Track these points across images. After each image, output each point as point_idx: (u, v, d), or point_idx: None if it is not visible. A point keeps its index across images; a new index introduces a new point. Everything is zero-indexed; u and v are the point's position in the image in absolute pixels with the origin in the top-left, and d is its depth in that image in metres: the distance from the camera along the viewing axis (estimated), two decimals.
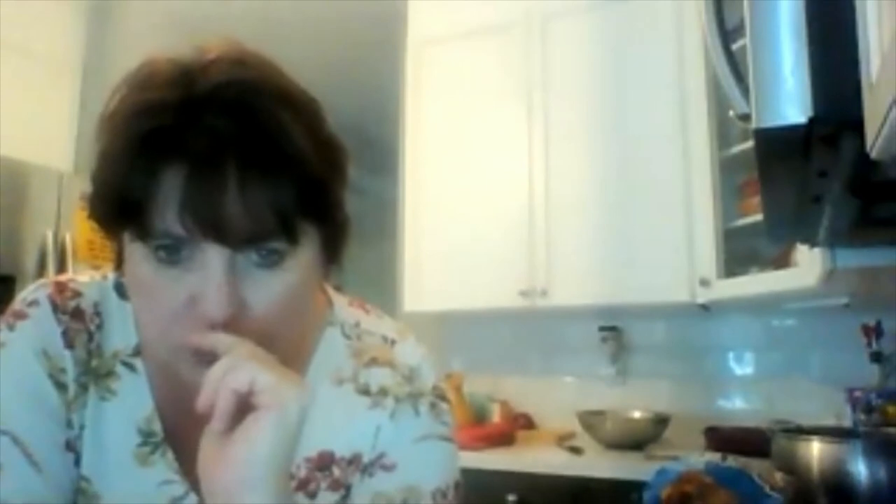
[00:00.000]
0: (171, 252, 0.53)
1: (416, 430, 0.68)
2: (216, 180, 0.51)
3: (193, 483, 0.64)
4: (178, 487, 0.64)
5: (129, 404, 0.64)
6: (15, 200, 2.39)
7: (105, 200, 0.55)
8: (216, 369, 0.50)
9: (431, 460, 0.68)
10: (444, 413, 0.71)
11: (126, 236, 0.55)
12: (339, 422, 0.68)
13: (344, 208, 0.60)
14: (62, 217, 2.52)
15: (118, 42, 3.08)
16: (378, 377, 0.70)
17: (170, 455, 0.64)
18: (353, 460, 0.68)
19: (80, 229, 2.54)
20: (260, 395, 0.49)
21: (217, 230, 0.51)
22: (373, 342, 0.72)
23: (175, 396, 0.64)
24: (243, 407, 0.50)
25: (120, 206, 0.53)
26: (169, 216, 0.51)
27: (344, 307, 0.73)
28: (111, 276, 0.68)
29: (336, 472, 0.67)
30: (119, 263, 0.60)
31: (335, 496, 0.67)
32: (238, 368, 0.50)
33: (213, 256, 0.52)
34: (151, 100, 0.53)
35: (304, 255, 0.57)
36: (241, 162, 0.51)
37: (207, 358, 0.53)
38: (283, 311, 0.56)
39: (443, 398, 0.71)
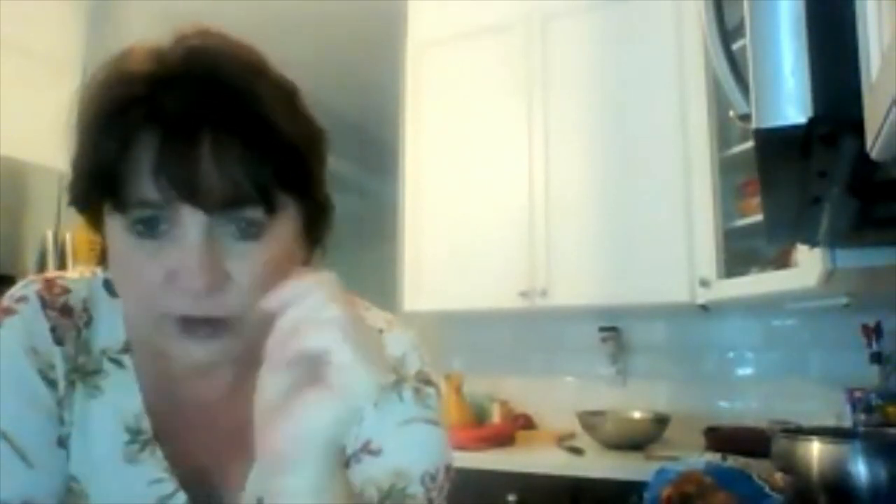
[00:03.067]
0: (150, 225, 0.53)
1: (400, 414, 0.68)
2: (190, 143, 0.51)
3: (182, 481, 0.63)
4: (167, 486, 0.63)
5: (117, 401, 0.63)
6: (15, 200, 2.39)
7: (81, 175, 0.56)
8: (298, 311, 0.45)
9: (417, 443, 0.68)
10: (429, 397, 0.70)
11: (105, 212, 0.55)
12: None
13: (324, 187, 0.61)
14: (62, 217, 2.52)
15: (118, 42, 3.07)
16: None
17: (158, 453, 0.63)
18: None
19: (80, 229, 2.54)
20: (331, 369, 0.45)
21: (192, 192, 0.51)
22: None
23: (164, 394, 0.64)
24: (311, 363, 0.45)
25: (95, 177, 0.53)
26: (144, 182, 0.51)
27: None
28: (100, 272, 0.68)
29: None
30: (104, 254, 0.60)
31: None
32: (314, 328, 0.45)
33: (191, 226, 0.52)
34: (123, 72, 0.54)
35: (285, 229, 0.57)
36: (215, 126, 0.52)
37: (193, 329, 0.53)
38: (265, 285, 0.54)
39: (428, 383, 0.71)
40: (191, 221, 0.52)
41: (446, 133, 2.69)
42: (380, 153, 2.94)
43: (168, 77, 0.53)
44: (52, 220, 2.51)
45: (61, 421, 0.61)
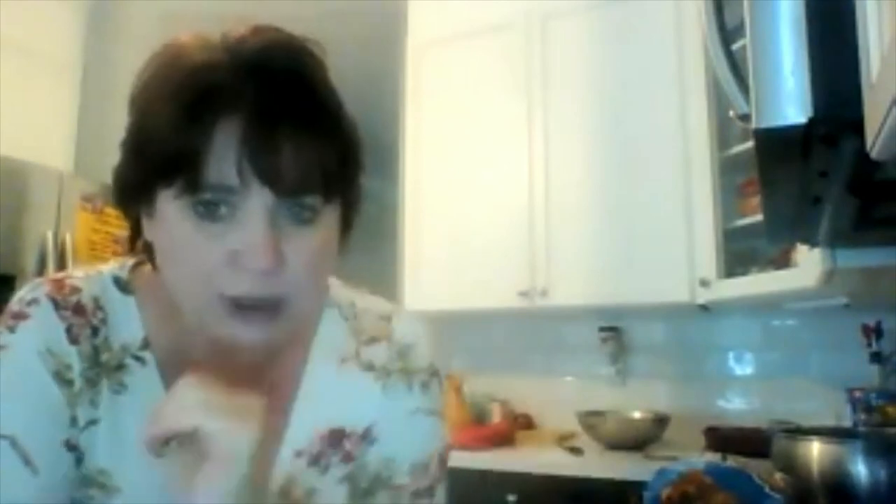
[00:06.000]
0: (212, 209, 0.55)
1: (406, 405, 0.71)
2: (272, 132, 0.54)
3: None
4: None
5: (142, 397, 0.64)
6: (15, 200, 2.39)
7: (149, 160, 0.56)
8: (161, 409, 0.52)
9: (416, 433, 0.71)
10: (434, 388, 0.73)
11: (163, 198, 0.56)
12: (347, 398, 0.70)
13: (361, 182, 0.64)
14: (62, 217, 2.52)
15: (118, 42, 3.07)
16: (377, 353, 0.72)
17: None
18: (365, 434, 0.70)
19: (80, 229, 2.54)
20: (209, 442, 0.51)
21: (272, 177, 0.54)
22: (370, 319, 0.74)
23: None
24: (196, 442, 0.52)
25: (171, 159, 0.54)
26: (225, 166, 0.53)
27: (339, 288, 0.75)
28: (106, 271, 0.68)
29: (347, 445, 0.69)
30: (134, 241, 0.62)
31: (346, 468, 0.69)
32: (181, 413, 0.51)
33: (257, 209, 0.54)
34: (199, 62, 0.56)
35: (333, 217, 0.60)
36: (293, 118, 0.55)
37: (246, 311, 0.56)
38: (316, 269, 0.59)
39: (436, 375, 0.74)
40: (257, 204, 0.54)
41: (446, 133, 2.69)
42: (380, 153, 2.94)
43: (249, 67, 0.55)
44: (52, 220, 2.51)
45: (74, 422, 0.62)
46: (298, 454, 0.67)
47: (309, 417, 0.68)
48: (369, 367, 0.71)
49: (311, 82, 0.57)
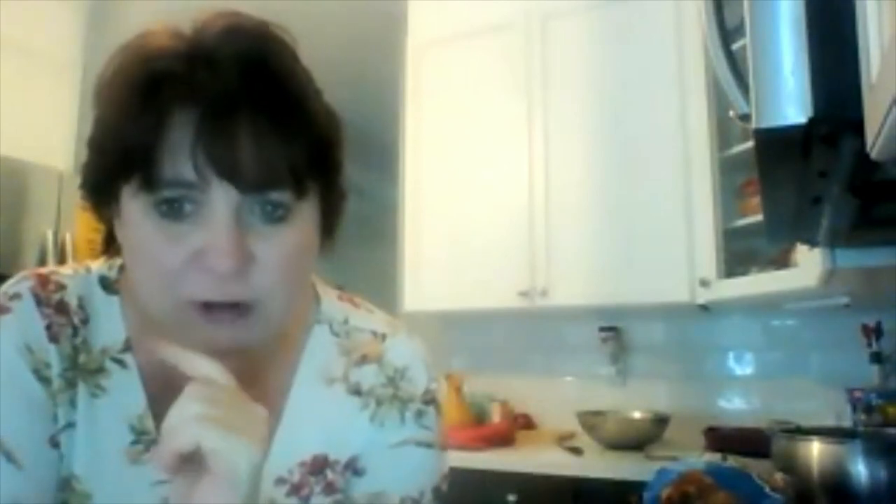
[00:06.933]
0: (175, 207, 0.52)
1: (396, 435, 0.67)
2: (230, 124, 0.51)
3: None
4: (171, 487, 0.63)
5: (121, 401, 0.62)
6: (15, 200, 2.39)
7: (107, 153, 0.53)
8: (165, 425, 0.49)
9: (405, 466, 0.67)
10: (429, 418, 0.69)
11: (126, 196, 0.53)
12: (331, 424, 0.66)
13: (343, 177, 0.60)
14: (62, 217, 2.53)
15: (118, 42, 3.07)
16: (366, 376, 0.68)
17: None
18: (349, 463, 0.67)
19: (80, 229, 2.55)
20: (209, 457, 0.48)
21: (230, 171, 0.50)
22: (362, 338, 0.70)
23: (168, 393, 0.62)
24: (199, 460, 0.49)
25: (126, 154, 0.51)
26: (180, 160, 0.50)
27: (333, 302, 0.72)
28: (95, 269, 0.66)
29: (330, 475, 0.66)
30: (108, 245, 0.59)
31: (329, 500, 0.66)
32: (181, 429, 0.48)
33: (220, 207, 0.51)
34: (155, 50, 0.53)
35: (309, 214, 0.56)
36: (253, 107, 0.51)
37: (217, 314, 0.53)
38: (290, 269, 0.55)
39: (432, 402, 0.69)
40: (220, 201, 0.51)
41: (446, 133, 2.69)
42: (380, 153, 2.94)
43: (205, 54, 0.52)
44: (52, 220, 2.51)
45: (55, 420, 0.60)
46: (278, 482, 0.64)
47: (290, 442, 0.64)
48: (357, 392, 0.67)
49: (275, 70, 0.53)
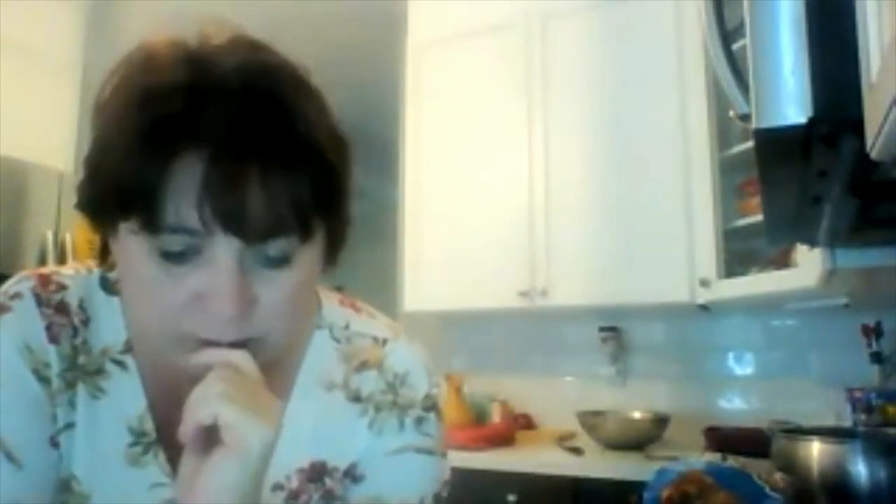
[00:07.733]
0: (178, 251, 0.51)
1: (395, 442, 0.67)
2: (239, 170, 0.49)
3: None
4: (170, 490, 0.61)
5: (120, 403, 0.62)
6: (15, 200, 2.39)
7: (105, 189, 0.51)
8: (190, 399, 0.51)
9: (404, 473, 0.66)
10: (430, 424, 0.68)
11: (124, 229, 0.52)
12: (331, 430, 0.66)
13: (350, 204, 0.58)
14: (62, 217, 2.53)
15: (118, 42, 3.07)
16: (366, 382, 0.68)
17: (162, 456, 0.62)
18: (348, 471, 0.66)
19: (80, 229, 2.54)
20: (224, 430, 0.49)
21: (238, 224, 0.49)
22: (363, 344, 0.70)
23: (168, 396, 0.62)
24: (216, 435, 0.50)
25: (125, 196, 0.50)
26: (184, 207, 0.49)
27: (334, 307, 0.71)
28: (96, 269, 0.65)
29: (328, 483, 0.66)
30: (104, 256, 0.59)
31: None
32: (203, 402, 0.50)
33: (224, 252, 0.51)
34: (159, 83, 0.50)
35: (313, 253, 0.56)
36: (264, 152, 0.49)
37: (216, 346, 0.53)
38: (290, 309, 0.55)
39: (433, 408, 0.69)
40: (224, 248, 0.51)
41: (446, 133, 2.69)
42: (380, 153, 2.94)
43: (208, 90, 0.50)
44: (52, 220, 2.51)
45: (55, 420, 0.60)
46: (275, 488, 0.64)
47: (289, 448, 0.63)
48: (356, 398, 0.67)
49: (288, 112, 0.51)
